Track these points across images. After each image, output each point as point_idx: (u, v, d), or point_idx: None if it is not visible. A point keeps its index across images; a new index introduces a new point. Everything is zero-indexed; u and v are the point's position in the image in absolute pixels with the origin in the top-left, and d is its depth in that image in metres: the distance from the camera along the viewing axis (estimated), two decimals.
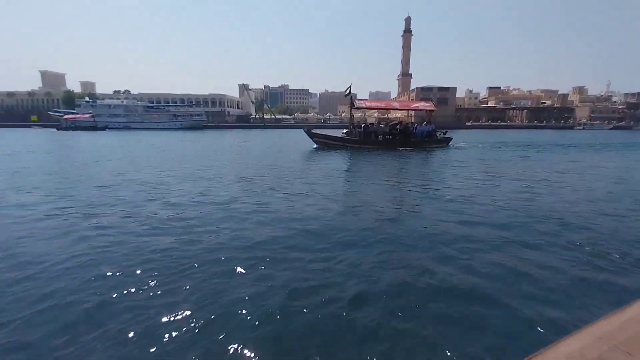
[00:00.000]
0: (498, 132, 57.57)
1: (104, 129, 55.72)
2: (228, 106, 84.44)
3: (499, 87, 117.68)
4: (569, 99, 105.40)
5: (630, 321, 0.91)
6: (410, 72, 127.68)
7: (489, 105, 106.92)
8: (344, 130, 21.55)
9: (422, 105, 24.22)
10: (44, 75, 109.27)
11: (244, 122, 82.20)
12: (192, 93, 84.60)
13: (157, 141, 28.31)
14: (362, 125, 21.46)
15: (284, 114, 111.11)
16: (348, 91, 20.18)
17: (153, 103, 75.12)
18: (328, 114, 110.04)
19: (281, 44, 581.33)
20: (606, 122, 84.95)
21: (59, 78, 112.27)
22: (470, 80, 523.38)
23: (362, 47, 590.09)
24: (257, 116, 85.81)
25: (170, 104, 73.73)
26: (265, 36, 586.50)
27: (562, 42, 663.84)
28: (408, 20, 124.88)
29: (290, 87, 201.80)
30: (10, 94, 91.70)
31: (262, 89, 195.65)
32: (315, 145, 20.95)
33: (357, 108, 21.40)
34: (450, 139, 22.24)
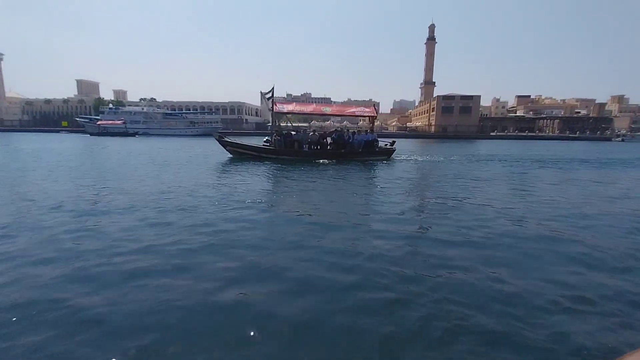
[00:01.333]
0: (522, 143, 53.80)
1: (134, 135, 57.67)
2: (246, 114, 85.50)
3: (529, 96, 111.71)
4: (606, 108, 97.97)
5: None
6: (433, 81, 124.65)
7: (517, 114, 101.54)
8: (265, 139, 19.08)
9: (359, 110, 19.61)
10: (80, 83, 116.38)
11: (262, 130, 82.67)
12: (214, 101, 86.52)
13: (168, 145, 28.70)
14: (284, 132, 18.25)
15: (305, 122, 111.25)
16: (270, 94, 17.48)
17: (174, 110, 77.40)
18: (345, 122, 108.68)
19: (305, 52, 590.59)
20: None
21: (93, 86, 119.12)
22: (498, 88, 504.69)
23: (386, 55, 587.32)
24: (274, 124, 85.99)
25: (188, 112, 75.56)
26: (290, 45, 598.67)
27: (601, 47, 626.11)
28: (432, 27, 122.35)
29: (312, 96, 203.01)
30: (47, 101, 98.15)
31: (284, 97, 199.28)
32: (229, 155, 18.22)
33: (277, 113, 18.11)
34: (392, 151, 18.77)
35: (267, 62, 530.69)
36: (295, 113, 19.59)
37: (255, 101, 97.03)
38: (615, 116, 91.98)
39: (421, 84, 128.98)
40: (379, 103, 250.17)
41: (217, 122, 68.94)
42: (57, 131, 69.96)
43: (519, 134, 76.92)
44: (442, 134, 76.51)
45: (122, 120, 61.00)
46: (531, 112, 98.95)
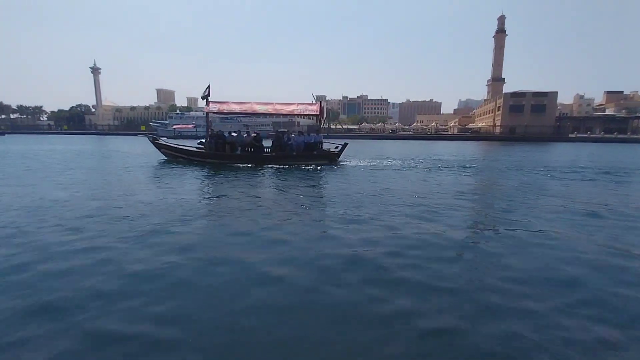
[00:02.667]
0: (610, 146, 45.73)
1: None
2: (298, 116, 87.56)
3: (621, 92, 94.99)
4: None
5: None
6: (502, 77, 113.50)
7: (605, 113, 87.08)
8: (199, 141, 17.76)
9: (300, 109, 17.35)
10: (159, 92, 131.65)
11: (313, 132, 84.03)
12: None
13: None
14: (217, 133, 16.96)
15: (359, 124, 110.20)
16: (207, 92, 16.53)
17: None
18: (397, 124, 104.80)
19: (363, 53, 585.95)
20: None
21: (170, 94, 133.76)
22: (582, 84, 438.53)
23: (451, 52, 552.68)
24: (322, 126, 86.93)
25: (242, 114, 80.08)
26: (346, 47, 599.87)
27: None
28: (502, 18, 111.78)
29: (369, 98, 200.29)
30: (132, 108, 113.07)
31: (340, 100, 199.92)
32: (164, 157, 17.78)
33: (210, 112, 17.06)
34: (334, 155, 16.81)
35: (330, 65, 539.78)
36: (224, 113, 18.20)
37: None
38: None
39: (488, 81, 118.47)
40: (440, 103, 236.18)
41: (268, 125, 71.98)
42: (135, 134, 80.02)
43: (605, 135, 65.74)
44: (509, 136, 69.01)
45: (193, 124, 67.87)
46: (623, 111, 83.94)
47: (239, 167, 14.88)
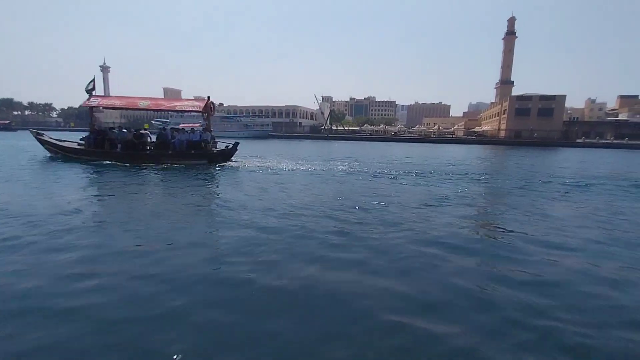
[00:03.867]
0: (621, 152, 43.77)
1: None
2: (300, 117, 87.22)
3: (636, 97, 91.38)
4: None
5: None
6: (512, 80, 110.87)
7: (618, 118, 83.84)
8: (80, 137, 16.93)
9: (183, 105, 16.58)
10: (166, 91, 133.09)
11: (315, 133, 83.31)
12: (272, 105, 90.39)
13: None
14: (96, 129, 15.99)
15: (360, 125, 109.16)
16: (91, 85, 15.79)
17: (233, 113, 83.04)
18: (399, 126, 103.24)
19: (375, 56, 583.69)
20: None
21: (176, 93, 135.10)
22: (595, 88, 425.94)
23: (461, 54, 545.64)
24: (325, 127, 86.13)
25: (242, 115, 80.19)
26: (358, 49, 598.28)
27: None
28: (512, 20, 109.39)
29: (376, 99, 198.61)
30: None
31: (347, 101, 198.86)
32: (48, 154, 16.95)
33: (90, 107, 15.98)
34: (213, 155, 15.76)
35: (339, 67, 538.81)
36: (106, 107, 16.95)
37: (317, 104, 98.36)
38: None
39: (497, 83, 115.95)
40: (449, 106, 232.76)
41: (268, 125, 71.75)
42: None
43: (614, 141, 63.10)
44: (514, 140, 66.88)
45: (200, 123, 68.14)
46: (637, 116, 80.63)
47: (117, 165, 14.13)
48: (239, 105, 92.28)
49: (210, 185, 10.66)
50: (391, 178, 12.66)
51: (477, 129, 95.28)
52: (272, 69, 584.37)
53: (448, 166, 18.13)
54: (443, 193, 9.59)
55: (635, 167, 22.19)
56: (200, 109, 15.98)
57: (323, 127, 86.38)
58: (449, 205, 8.01)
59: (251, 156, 20.50)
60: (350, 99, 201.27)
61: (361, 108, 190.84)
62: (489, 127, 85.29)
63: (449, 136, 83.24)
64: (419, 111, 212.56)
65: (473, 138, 78.69)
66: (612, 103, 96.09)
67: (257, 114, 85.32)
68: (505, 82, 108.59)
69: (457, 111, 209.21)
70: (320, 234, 5.49)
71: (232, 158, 16.64)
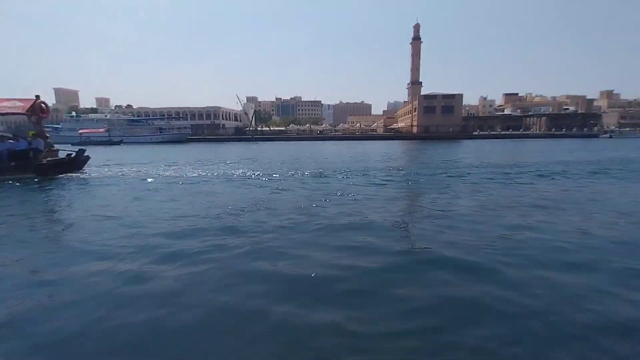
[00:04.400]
0: (506, 142, 51.25)
1: (119, 143, 55.74)
2: (223, 118, 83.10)
3: (517, 94, 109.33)
4: (595, 104, 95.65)
5: None
6: (420, 81, 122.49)
7: (504, 113, 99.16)
8: None
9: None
10: (57, 92, 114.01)
11: (240, 135, 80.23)
12: (190, 106, 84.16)
13: None
14: None
15: (286, 125, 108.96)
16: None
17: (146, 116, 74.97)
18: (324, 125, 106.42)
19: (298, 56, 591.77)
20: (638, 129, 75.20)
21: (72, 95, 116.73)
22: (487, 87, 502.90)
23: (380, 56, 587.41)
24: (250, 128, 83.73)
25: (154, 118, 73.04)
26: (280, 49, 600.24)
27: (592, 42, 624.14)
28: (417, 27, 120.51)
29: (302, 99, 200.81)
30: None
31: (273, 101, 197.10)
32: None
33: None
34: (52, 166, 13.15)
35: (264, 68, 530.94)
36: None
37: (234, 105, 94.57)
38: (604, 112, 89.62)
39: (408, 84, 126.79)
40: (370, 105, 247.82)
41: (186, 127, 66.55)
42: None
43: (501, 132, 74.44)
44: (425, 135, 73.94)
45: (105, 127, 59.16)
46: (518, 110, 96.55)
47: None
48: (151, 106, 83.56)
49: (23, 207, 8.25)
50: (324, 176, 12.36)
51: (394, 126, 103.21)
52: (193, 70, 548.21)
53: (377, 162, 18.82)
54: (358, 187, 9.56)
55: (517, 153, 26.19)
56: (23, 111, 12.95)
57: (248, 128, 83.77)
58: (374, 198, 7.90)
59: (117, 164, 18.28)
60: (277, 99, 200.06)
61: (288, 108, 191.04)
62: (404, 124, 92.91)
63: (371, 133, 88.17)
64: (344, 110, 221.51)
65: (391, 134, 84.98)
66: (499, 100, 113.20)
67: (173, 116, 78.48)
68: (415, 83, 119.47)
69: (377, 110, 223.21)
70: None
71: (84, 168, 14.37)
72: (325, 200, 8.31)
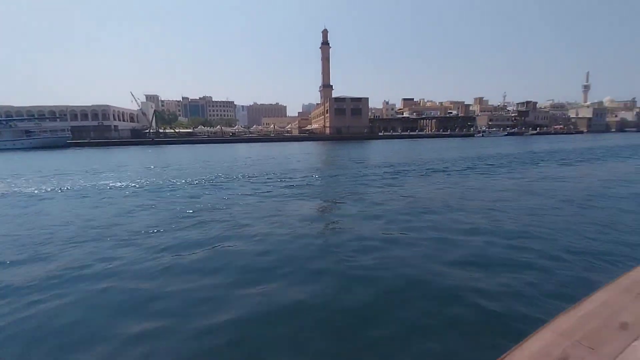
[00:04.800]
0: (396, 142, 56.74)
1: None
2: (115, 119, 71.94)
3: (412, 99, 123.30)
4: (470, 108, 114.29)
5: (587, 316, 0.97)
6: (331, 84, 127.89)
7: (403, 116, 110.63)
8: None
9: None
10: None
11: (137, 138, 70.70)
12: (72, 104, 70.38)
13: None
14: None
15: (194, 127, 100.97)
16: None
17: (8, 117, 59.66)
18: (237, 126, 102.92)
19: (210, 56, 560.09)
20: (501, 129, 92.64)
21: None
22: (389, 92, 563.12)
23: (294, 59, 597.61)
24: (150, 131, 74.77)
25: (21, 118, 58.94)
26: (186, 48, 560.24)
27: (467, 55, 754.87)
28: (325, 32, 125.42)
29: (213, 99, 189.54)
30: None
31: (179, 101, 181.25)
32: None
33: None
34: None
35: (166, 65, 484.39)
36: None
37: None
38: (478, 115, 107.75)
39: (320, 87, 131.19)
40: (285, 106, 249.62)
41: (65, 130, 55.42)
42: None
43: (402, 133, 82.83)
44: (337, 136, 77.23)
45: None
46: (415, 114, 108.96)
47: None
48: (14, 104, 66.83)
49: None
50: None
51: (309, 127, 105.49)
52: (80, 65, 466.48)
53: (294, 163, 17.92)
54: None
55: (410, 152, 28.87)
56: None
57: (148, 131, 74.62)
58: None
59: None
60: (184, 98, 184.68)
61: (197, 109, 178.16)
62: (317, 125, 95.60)
63: (286, 135, 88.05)
64: (258, 112, 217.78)
65: (306, 135, 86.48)
66: (399, 104, 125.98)
67: (47, 116, 64.41)
68: (326, 86, 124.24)
69: (292, 111, 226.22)
70: None
71: None
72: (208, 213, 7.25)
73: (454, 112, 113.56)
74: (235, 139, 76.08)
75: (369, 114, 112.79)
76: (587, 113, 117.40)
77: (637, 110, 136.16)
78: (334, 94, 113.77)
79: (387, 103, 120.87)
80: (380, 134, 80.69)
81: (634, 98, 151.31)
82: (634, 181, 11.05)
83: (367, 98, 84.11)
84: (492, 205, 7.52)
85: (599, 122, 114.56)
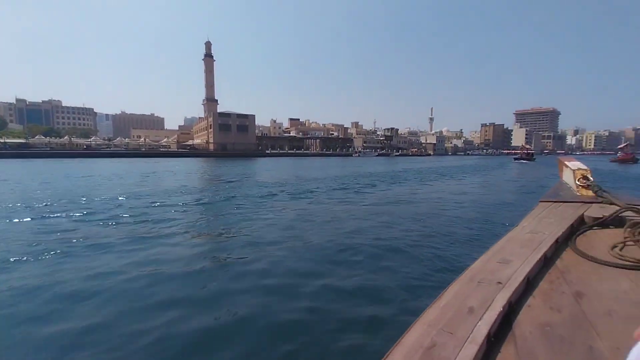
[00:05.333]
0: (282, 160, 57.51)
1: None
2: None
3: (298, 119, 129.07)
4: (349, 131, 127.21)
5: (446, 306, 1.13)
6: (216, 98, 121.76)
7: (291, 135, 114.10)
8: None
9: None
10: None
11: None
12: None
13: None
14: None
15: (49, 136, 79.03)
16: None
17: None
18: (93, 138, 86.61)
19: (61, 48, 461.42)
20: (373, 150, 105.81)
21: None
22: (277, 111, 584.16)
23: (176, 69, 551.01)
24: None
25: None
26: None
27: (346, 83, 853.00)
28: (208, 44, 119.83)
29: (63, 104, 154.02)
30: None
31: (11, 103, 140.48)
32: None
33: None
34: None
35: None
36: None
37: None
38: (354, 137, 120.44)
39: (203, 100, 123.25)
40: (163, 118, 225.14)
41: None
42: None
43: (288, 151, 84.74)
44: (222, 152, 72.91)
45: None
46: (300, 133, 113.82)
47: None
48: None
49: None
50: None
51: (191, 142, 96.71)
52: None
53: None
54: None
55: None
56: None
57: None
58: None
59: None
60: (19, 100, 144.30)
61: (39, 115, 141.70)
62: (200, 141, 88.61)
63: (161, 150, 77.91)
64: (127, 122, 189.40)
65: (187, 151, 78.50)
66: (286, 123, 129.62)
67: None
68: (211, 100, 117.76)
69: (173, 124, 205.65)
70: None
71: None
72: None
73: (335, 133, 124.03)
74: (90, 152, 62.76)
75: (257, 131, 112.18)
76: (433, 139, 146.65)
77: (464, 138, 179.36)
78: (220, 109, 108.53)
79: (275, 122, 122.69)
80: (267, 151, 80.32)
81: (461, 129, 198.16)
82: (469, 192, 13.27)
83: (254, 115, 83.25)
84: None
85: (441, 147, 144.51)
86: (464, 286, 1.35)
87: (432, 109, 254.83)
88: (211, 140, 77.13)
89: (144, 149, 78.61)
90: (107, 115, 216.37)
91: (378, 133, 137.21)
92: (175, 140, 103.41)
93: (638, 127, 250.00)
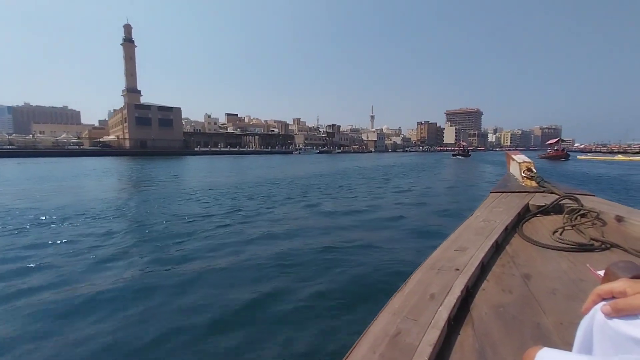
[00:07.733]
0: (214, 158, 50.97)
1: None
2: None
3: (237, 114, 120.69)
4: (290, 127, 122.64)
5: (410, 293, 1.20)
6: (139, 89, 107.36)
7: (227, 131, 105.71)
8: None
9: None
10: None
11: None
12: None
13: None
14: None
15: None
16: None
17: None
18: None
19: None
20: (314, 147, 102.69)
21: None
22: (211, 106, 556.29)
23: (95, 55, 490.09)
24: None
25: None
26: None
27: (289, 80, 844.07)
28: (128, 27, 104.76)
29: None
30: None
31: None
32: None
33: None
34: None
35: None
36: None
37: None
38: (296, 134, 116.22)
39: (123, 91, 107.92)
40: (79, 112, 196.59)
41: None
42: None
43: (222, 149, 77.26)
44: (141, 150, 62.95)
45: None
46: (239, 129, 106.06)
47: None
48: None
49: None
50: None
51: (104, 138, 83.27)
52: None
53: None
54: None
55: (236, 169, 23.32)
56: None
57: None
58: None
59: None
60: None
61: None
62: (114, 137, 76.50)
63: (57, 149, 64.70)
64: (31, 115, 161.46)
65: (98, 149, 66.52)
66: (222, 118, 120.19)
67: None
68: (132, 91, 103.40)
69: (93, 119, 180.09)
70: None
71: None
72: None
73: (277, 130, 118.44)
74: None
75: (189, 127, 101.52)
76: (373, 137, 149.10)
77: (402, 136, 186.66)
78: (143, 100, 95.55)
79: (210, 117, 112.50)
80: (196, 149, 71.90)
81: (400, 127, 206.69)
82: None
83: (180, 108, 74.13)
84: None
85: (381, 144, 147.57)
86: (426, 274, 1.42)
87: (372, 107, 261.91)
88: (127, 135, 66.46)
89: (42, 147, 64.91)
90: (8, 107, 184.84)
91: (321, 130, 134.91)
92: (87, 136, 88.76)
93: (545, 127, 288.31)
